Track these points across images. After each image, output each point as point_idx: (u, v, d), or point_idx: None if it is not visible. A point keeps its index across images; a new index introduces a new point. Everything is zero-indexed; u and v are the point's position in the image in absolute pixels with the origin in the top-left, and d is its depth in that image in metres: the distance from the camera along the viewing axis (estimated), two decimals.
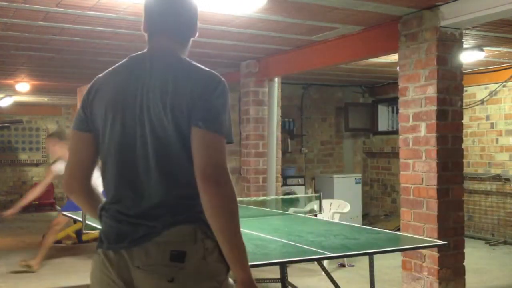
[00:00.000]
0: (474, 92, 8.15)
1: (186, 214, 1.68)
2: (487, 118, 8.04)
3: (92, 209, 1.90)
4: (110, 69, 1.86)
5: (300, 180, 8.87)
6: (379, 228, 5.92)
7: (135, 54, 1.84)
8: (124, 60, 1.85)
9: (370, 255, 3.78)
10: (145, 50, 1.85)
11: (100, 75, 1.88)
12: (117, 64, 1.86)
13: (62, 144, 6.16)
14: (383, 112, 9.94)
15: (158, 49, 1.82)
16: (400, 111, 4.74)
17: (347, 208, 6.38)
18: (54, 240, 6.21)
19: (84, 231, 4.26)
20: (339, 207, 6.48)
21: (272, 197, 6.45)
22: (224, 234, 1.63)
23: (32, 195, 6.31)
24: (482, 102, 8.07)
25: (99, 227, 3.77)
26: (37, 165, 13.53)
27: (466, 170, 7.61)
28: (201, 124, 1.65)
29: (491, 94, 7.92)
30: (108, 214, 1.77)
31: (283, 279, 4.75)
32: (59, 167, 6.12)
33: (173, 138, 1.67)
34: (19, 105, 12.08)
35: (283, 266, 4.70)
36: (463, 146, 4.63)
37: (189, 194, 1.68)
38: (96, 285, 1.79)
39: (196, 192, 1.64)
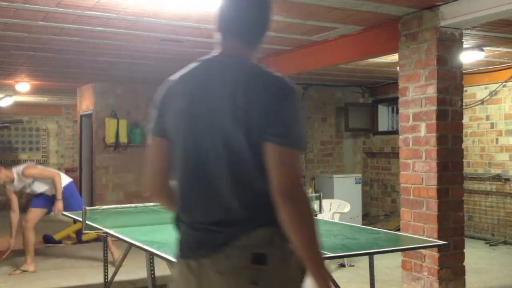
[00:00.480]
0: (474, 92, 8.15)
1: (262, 219, 1.69)
2: (487, 118, 8.04)
3: (174, 209, 1.90)
4: (181, 72, 1.84)
5: None
6: (379, 228, 5.92)
7: (206, 57, 1.83)
8: (196, 63, 1.83)
9: (370, 255, 3.78)
10: (216, 53, 1.83)
11: (172, 78, 1.86)
12: (188, 67, 1.85)
13: (3, 171, 6.08)
14: (383, 112, 9.94)
15: (229, 54, 1.79)
16: (400, 111, 4.74)
17: (347, 208, 6.38)
18: (33, 236, 6.17)
19: (84, 231, 4.25)
20: (339, 207, 6.48)
21: None
22: (304, 249, 1.65)
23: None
24: (482, 102, 8.07)
25: (99, 227, 3.75)
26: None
27: (466, 170, 7.61)
28: (275, 139, 1.64)
29: (491, 94, 7.92)
30: (184, 222, 1.79)
31: None
32: (12, 188, 6.18)
33: (244, 147, 1.66)
34: (19, 105, 12.08)
35: None
36: (463, 146, 4.63)
37: (263, 200, 1.67)
38: None
39: (270, 199, 1.65)
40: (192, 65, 1.83)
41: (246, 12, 1.81)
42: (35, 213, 6.13)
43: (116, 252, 6.09)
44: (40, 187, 6.12)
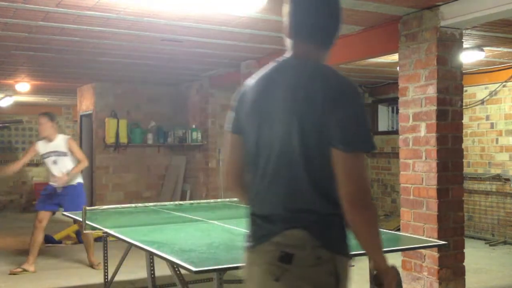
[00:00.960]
0: (474, 92, 8.15)
1: (300, 220, 1.74)
2: (487, 118, 8.04)
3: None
4: (259, 73, 1.93)
5: None
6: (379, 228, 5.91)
7: (281, 58, 1.89)
8: (271, 65, 1.90)
9: None
10: (289, 55, 1.88)
11: (249, 79, 1.96)
12: (263, 69, 1.92)
13: (52, 125, 6.24)
14: (383, 112, 9.94)
15: (299, 56, 1.84)
16: (400, 111, 4.74)
17: None
18: (41, 238, 6.17)
19: (84, 231, 4.25)
20: None
21: None
22: (369, 249, 1.80)
23: (11, 168, 6.32)
24: (482, 102, 8.07)
25: (99, 227, 3.78)
26: (37, 165, 13.51)
27: (466, 170, 7.61)
28: (341, 147, 1.67)
29: (491, 94, 7.92)
30: (249, 213, 1.91)
31: None
32: (41, 146, 6.24)
33: (297, 151, 1.72)
34: (19, 105, 12.08)
35: None
36: (463, 146, 4.63)
37: (309, 201, 1.74)
38: (246, 279, 1.91)
39: (315, 200, 1.73)
40: (267, 66, 1.91)
41: (318, 17, 1.84)
42: (46, 214, 6.11)
43: (95, 261, 6.17)
44: (64, 164, 6.11)
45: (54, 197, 6.12)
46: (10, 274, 5.91)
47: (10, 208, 12.96)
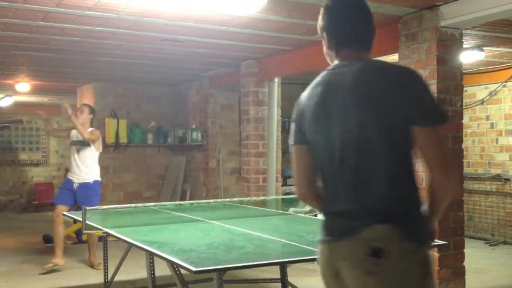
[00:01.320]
0: (474, 92, 8.15)
1: (387, 214, 1.82)
2: (487, 118, 8.04)
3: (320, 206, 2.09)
4: (312, 84, 2.03)
5: None
6: None
7: (331, 67, 2.01)
8: (324, 73, 2.01)
9: None
10: (338, 62, 1.99)
11: (303, 94, 2.07)
12: (316, 79, 2.02)
13: (89, 117, 6.27)
14: None
15: (351, 60, 1.96)
16: None
17: None
18: (62, 230, 6.18)
19: (84, 231, 4.25)
20: None
21: (272, 197, 6.45)
22: (441, 210, 1.96)
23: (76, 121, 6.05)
24: (482, 102, 8.07)
25: (99, 227, 3.79)
26: (37, 165, 13.53)
27: (466, 170, 7.61)
28: (425, 123, 1.81)
29: (491, 94, 7.92)
30: (328, 211, 1.99)
31: (283, 279, 4.75)
32: (74, 133, 6.25)
33: (377, 145, 1.82)
34: (19, 105, 12.07)
35: (283, 266, 4.71)
36: (463, 146, 4.62)
37: (392, 195, 1.84)
38: (322, 272, 2.02)
39: (395, 194, 1.84)
40: (319, 76, 2.01)
41: (364, 25, 2.03)
42: (63, 208, 6.09)
43: (95, 262, 6.17)
44: (85, 155, 6.14)
45: (71, 192, 6.13)
46: (40, 274, 5.88)
47: (10, 208, 12.96)
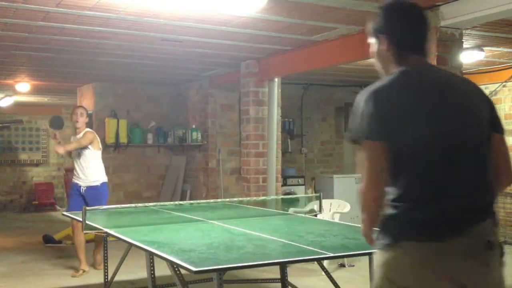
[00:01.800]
0: None
1: (490, 210, 1.97)
2: None
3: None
4: (388, 82, 1.96)
5: (300, 180, 8.86)
6: (379, 228, 5.91)
7: (407, 69, 1.99)
8: (397, 75, 1.98)
9: (370, 255, 3.77)
10: (410, 66, 2.00)
11: (378, 89, 1.94)
12: (392, 78, 1.97)
13: (84, 118, 6.20)
14: None
15: (422, 65, 2.04)
16: None
17: (347, 208, 6.38)
18: (84, 238, 6.08)
19: (84, 231, 4.25)
20: (339, 207, 6.48)
21: (272, 197, 6.45)
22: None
23: (69, 146, 6.04)
24: None
25: (99, 227, 3.78)
26: (37, 165, 13.53)
27: None
28: (502, 131, 2.04)
29: (491, 94, 7.91)
30: (426, 210, 1.90)
31: (283, 279, 4.75)
32: (73, 138, 6.20)
33: (480, 143, 1.95)
34: (19, 105, 12.08)
35: (283, 266, 4.71)
36: None
37: (491, 191, 1.99)
38: (415, 274, 1.89)
39: (493, 190, 1.99)
40: (398, 76, 1.97)
41: (427, 34, 2.12)
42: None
43: (99, 260, 6.09)
44: (86, 158, 6.07)
45: (81, 197, 6.05)
46: (72, 276, 5.88)
47: (10, 208, 12.96)
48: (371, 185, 1.93)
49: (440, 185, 1.91)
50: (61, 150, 5.93)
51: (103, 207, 5.16)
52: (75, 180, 6.16)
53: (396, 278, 1.91)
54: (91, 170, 6.11)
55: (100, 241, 6.17)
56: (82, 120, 6.13)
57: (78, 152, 6.10)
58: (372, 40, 2.11)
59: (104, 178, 6.25)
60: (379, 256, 2.00)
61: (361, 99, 1.95)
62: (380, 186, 1.93)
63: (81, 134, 6.13)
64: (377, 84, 1.96)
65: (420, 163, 1.91)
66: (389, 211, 1.96)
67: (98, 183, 6.12)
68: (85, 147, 6.08)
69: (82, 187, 6.07)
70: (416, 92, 1.94)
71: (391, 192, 1.93)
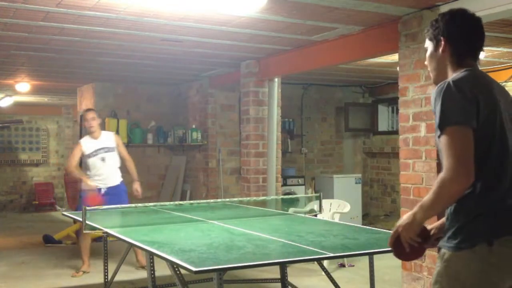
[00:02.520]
0: None
1: None
2: None
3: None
4: (470, 73, 2.05)
5: (300, 180, 8.87)
6: (379, 228, 5.92)
7: (472, 68, 2.10)
8: (469, 72, 2.06)
9: (370, 255, 3.77)
10: (470, 67, 2.09)
11: (467, 78, 2.02)
12: (466, 73, 2.06)
13: (98, 120, 6.18)
14: (383, 112, 9.94)
15: (476, 68, 2.14)
16: (400, 111, 4.74)
17: (347, 208, 6.38)
18: (90, 241, 6.07)
19: (84, 231, 4.25)
20: (339, 207, 6.48)
21: (272, 197, 6.45)
22: None
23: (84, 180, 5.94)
24: None
25: (99, 227, 3.77)
26: (37, 165, 13.53)
27: None
28: None
29: None
30: (510, 199, 1.97)
31: (283, 279, 4.75)
32: (87, 144, 6.08)
33: None
34: (19, 105, 12.08)
35: (283, 266, 4.71)
36: None
37: None
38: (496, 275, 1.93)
39: None
40: (471, 73, 2.06)
41: (483, 40, 2.22)
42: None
43: (142, 260, 5.96)
44: (114, 161, 6.06)
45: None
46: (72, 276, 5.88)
47: (10, 208, 12.97)
48: (464, 171, 1.89)
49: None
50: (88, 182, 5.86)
51: (103, 207, 5.16)
52: (86, 187, 5.94)
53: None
54: (116, 172, 6.09)
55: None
56: (95, 123, 6.07)
57: (103, 156, 6.00)
58: (429, 44, 2.21)
59: (121, 177, 6.22)
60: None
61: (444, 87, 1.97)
62: (472, 173, 1.90)
63: (103, 137, 6.08)
64: (457, 76, 2.03)
65: (501, 158, 1.99)
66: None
67: (118, 182, 6.10)
68: (112, 150, 6.07)
69: (102, 189, 5.94)
70: (491, 90, 2.03)
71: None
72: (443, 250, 2.01)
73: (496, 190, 1.95)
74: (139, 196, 6.12)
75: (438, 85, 2.00)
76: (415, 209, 2.03)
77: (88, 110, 6.36)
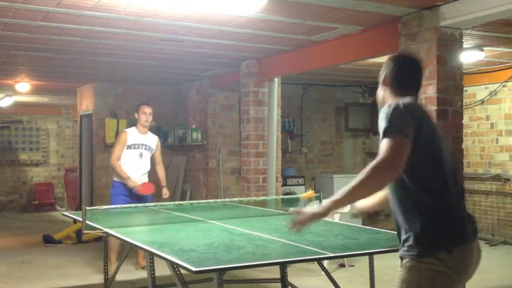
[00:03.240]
0: (474, 92, 8.15)
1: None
2: (487, 118, 8.04)
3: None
4: (405, 103, 2.37)
5: (300, 180, 8.87)
6: (379, 228, 5.92)
7: (412, 101, 2.42)
8: (408, 100, 2.39)
9: (370, 255, 3.77)
10: (409, 98, 2.41)
11: (410, 103, 2.42)
12: (406, 100, 2.39)
13: None
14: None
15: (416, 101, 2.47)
16: None
17: (347, 208, 6.36)
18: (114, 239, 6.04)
19: (84, 231, 4.24)
20: None
21: (272, 197, 6.45)
22: None
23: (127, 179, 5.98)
24: (482, 102, 8.07)
25: (99, 227, 3.78)
26: (37, 165, 13.53)
27: (466, 170, 7.60)
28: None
29: (491, 94, 7.92)
30: (457, 214, 2.25)
31: (283, 279, 4.75)
32: (132, 135, 6.14)
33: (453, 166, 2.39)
34: (19, 105, 12.08)
35: (283, 266, 4.71)
36: (463, 146, 4.62)
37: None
38: (462, 271, 2.32)
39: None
40: (410, 100, 2.40)
41: (421, 78, 2.66)
42: None
43: (142, 261, 5.93)
44: (147, 161, 6.10)
45: (127, 198, 5.93)
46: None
47: (10, 208, 12.97)
48: (395, 164, 2.17)
49: (454, 195, 2.27)
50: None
51: (103, 207, 5.16)
52: (122, 181, 6.00)
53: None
54: (146, 172, 6.14)
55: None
56: (151, 119, 6.20)
57: (141, 152, 6.06)
58: (380, 86, 2.60)
59: None
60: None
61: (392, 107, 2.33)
62: (400, 169, 2.18)
63: (149, 136, 6.16)
64: (404, 100, 2.38)
65: (443, 171, 2.26)
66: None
67: (146, 179, 6.15)
68: (152, 150, 6.14)
69: (134, 188, 5.91)
70: (427, 117, 2.34)
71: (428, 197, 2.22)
72: (405, 260, 2.27)
73: (446, 202, 2.22)
74: (166, 196, 6.23)
75: (388, 104, 2.37)
76: (329, 202, 2.34)
77: (147, 104, 6.41)
